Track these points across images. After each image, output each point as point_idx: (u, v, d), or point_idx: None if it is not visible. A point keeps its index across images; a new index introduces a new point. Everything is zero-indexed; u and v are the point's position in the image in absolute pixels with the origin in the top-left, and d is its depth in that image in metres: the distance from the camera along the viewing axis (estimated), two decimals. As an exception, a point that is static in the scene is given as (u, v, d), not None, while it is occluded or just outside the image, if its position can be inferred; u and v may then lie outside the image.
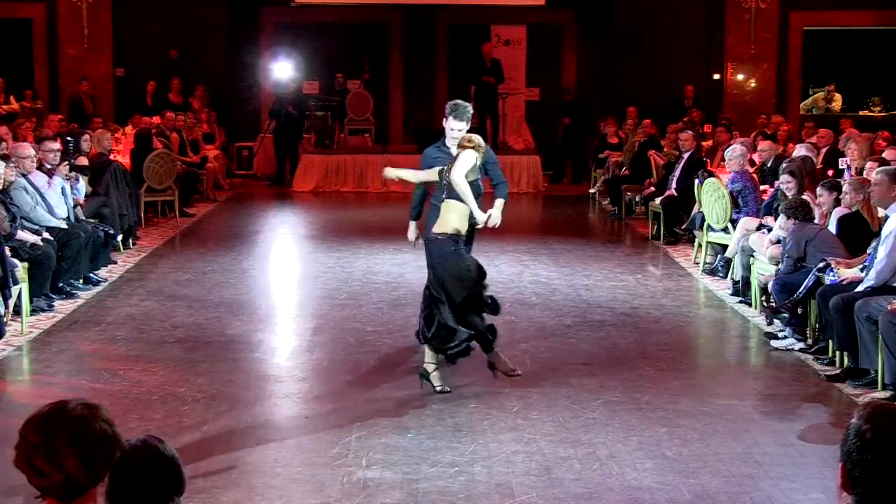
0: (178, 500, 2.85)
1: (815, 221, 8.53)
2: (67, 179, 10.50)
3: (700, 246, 11.47)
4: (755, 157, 12.41)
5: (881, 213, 7.81)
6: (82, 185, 11.13)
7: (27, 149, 10.12)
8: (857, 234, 8.08)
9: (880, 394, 6.92)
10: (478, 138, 7.23)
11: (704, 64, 19.16)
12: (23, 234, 9.14)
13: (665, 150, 14.82)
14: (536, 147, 18.99)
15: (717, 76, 19.10)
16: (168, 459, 2.83)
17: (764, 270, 9.07)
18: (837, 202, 8.49)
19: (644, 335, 8.55)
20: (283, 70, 18.94)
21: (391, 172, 7.69)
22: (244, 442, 6.04)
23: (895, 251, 7.17)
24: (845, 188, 8.34)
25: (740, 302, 9.59)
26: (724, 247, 10.68)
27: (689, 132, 13.72)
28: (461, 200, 6.99)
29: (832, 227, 8.38)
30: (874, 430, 2.21)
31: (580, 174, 18.93)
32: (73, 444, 2.47)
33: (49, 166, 10.57)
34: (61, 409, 2.53)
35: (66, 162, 10.68)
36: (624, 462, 5.77)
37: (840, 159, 11.40)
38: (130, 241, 12.37)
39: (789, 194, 9.12)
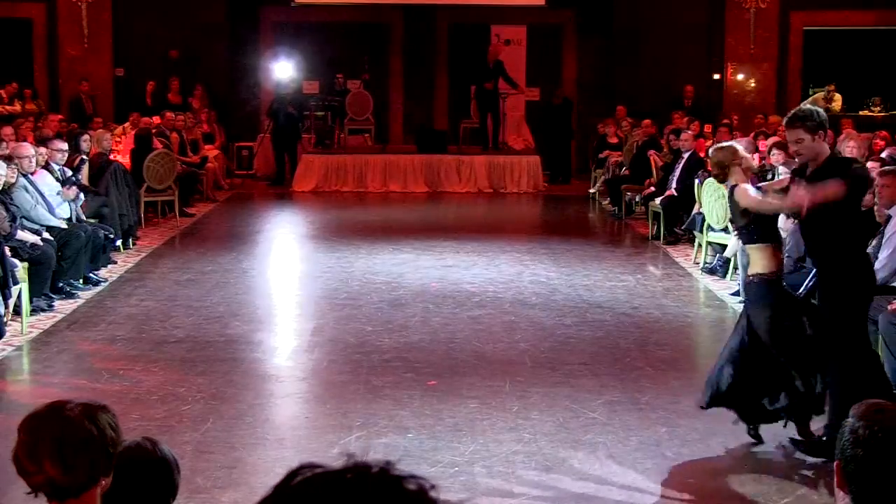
0: None
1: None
2: (73, 200, 10.52)
3: (700, 246, 11.48)
4: (756, 157, 12.40)
5: (884, 212, 7.78)
6: (81, 196, 11.14)
7: (27, 149, 10.12)
8: (868, 234, 8.02)
9: (880, 394, 6.92)
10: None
11: (704, 64, 19.16)
12: (23, 234, 9.14)
13: (665, 150, 14.82)
14: (536, 147, 19.00)
15: (717, 76, 19.10)
16: (159, 462, 2.82)
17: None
18: None
19: (644, 335, 8.55)
20: (283, 70, 18.95)
21: None
22: (244, 442, 6.04)
23: (896, 251, 7.17)
24: None
25: (741, 302, 9.58)
26: (724, 247, 10.68)
27: (689, 132, 13.73)
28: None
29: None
30: (866, 426, 2.21)
31: (565, 174, 19.01)
32: (53, 445, 2.45)
33: (57, 166, 10.59)
34: (56, 408, 2.52)
35: (74, 184, 10.65)
36: (624, 462, 5.77)
37: (841, 159, 11.38)
38: (130, 241, 12.37)
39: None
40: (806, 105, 5.99)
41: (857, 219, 5.78)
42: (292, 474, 1.30)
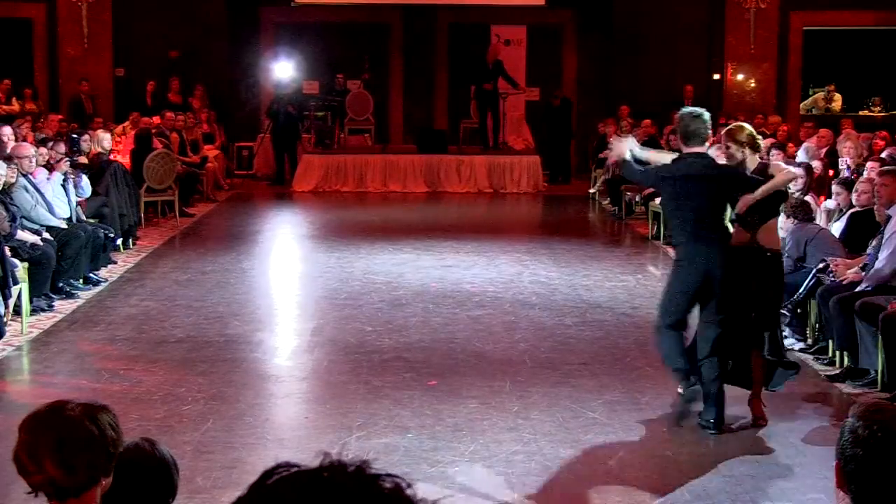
0: None
1: (816, 221, 8.54)
2: (68, 177, 10.50)
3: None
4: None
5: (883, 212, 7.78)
6: (86, 182, 11.13)
7: (27, 149, 10.11)
8: (868, 233, 8.03)
9: (880, 394, 6.92)
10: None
11: (704, 64, 19.16)
12: (23, 234, 9.14)
13: (664, 150, 14.82)
14: (536, 147, 19.00)
15: (717, 76, 19.10)
16: (158, 462, 2.81)
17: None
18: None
19: (644, 335, 8.53)
20: (283, 70, 18.95)
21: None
22: (244, 442, 6.04)
23: None
24: (861, 187, 8.28)
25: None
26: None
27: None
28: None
29: (842, 224, 8.37)
30: (866, 426, 2.21)
31: (565, 174, 19.03)
32: (54, 446, 2.45)
33: (51, 162, 10.61)
34: (57, 408, 2.52)
35: (66, 159, 10.69)
36: (624, 462, 5.77)
37: (840, 159, 11.40)
38: (130, 241, 12.37)
39: (795, 188, 9.11)
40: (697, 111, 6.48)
41: (677, 213, 6.39)
42: (268, 473, 1.30)
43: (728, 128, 6.67)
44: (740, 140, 6.35)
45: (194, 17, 19.00)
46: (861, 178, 8.75)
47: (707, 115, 6.36)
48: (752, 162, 6.38)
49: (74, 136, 12.09)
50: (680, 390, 6.59)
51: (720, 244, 6.23)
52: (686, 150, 6.31)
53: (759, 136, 6.63)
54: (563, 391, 7.00)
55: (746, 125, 6.62)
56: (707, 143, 6.43)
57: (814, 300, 7.87)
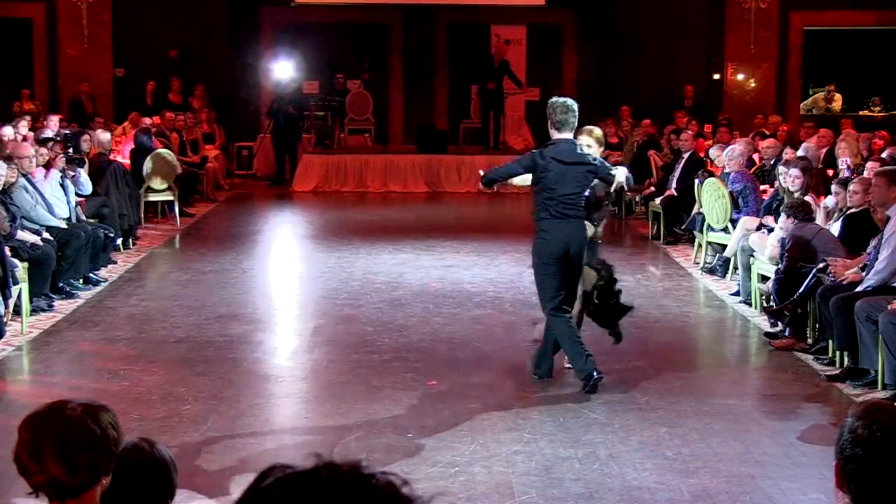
0: None
1: (816, 221, 8.53)
2: (66, 174, 10.51)
3: (700, 246, 11.47)
4: (755, 157, 12.42)
5: (883, 213, 7.78)
6: (85, 177, 11.12)
7: (27, 149, 10.12)
8: (864, 234, 8.03)
9: (880, 394, 6.91)
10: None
11: (704, 64, 19.16)
12: (23, 234, 9.14)
13: (664, 150, 14.82)
14: (536, 147, 18.97)
15: (717, 76, 19.09)
16: (157, 463, 2.81)
17: (764, 270, 9.08)
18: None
19: (644, 335, 8.54)
20: (283, 70, 18.95)
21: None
22: (244, 442, 6.04)
23: None
24: (853, 188, 8.30)
25: (741, 302, 9.59)
26: (724, 246, 10.68)
27: (689, 132, 13.73)
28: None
29: (839, 225, 8.38)
30: (865, 425, 2.21)
31: None
32: (56, 445, 2.45)
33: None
34: (58, 408, 2.52)
35: (61, 155, 10.69)
36: (624, 462, 5.77)
37: (839, 160, 11.41)
38: (130, 241, 12.37)
39: (794, 188, 9.11)
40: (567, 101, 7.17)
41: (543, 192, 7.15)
42: (263, 475, 1.30)
43: (586, 126, 7.67)
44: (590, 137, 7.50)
45: (194, 17, 18.99)
46: (854, 179, 8.76)
47: (576, 107, 7.14)
48: (597, 153, 7.58)
49: (67, 132, 12.11)
50: (567, 365, 7.31)
51: (578, 221, 7.16)
52: (557, 136, 7.12)
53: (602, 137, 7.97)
54: (563, 391, 7.00)
55: (595, 128, 7.86)
56: (572, 131, 7.27)
57: (814, 300, 7.86)
